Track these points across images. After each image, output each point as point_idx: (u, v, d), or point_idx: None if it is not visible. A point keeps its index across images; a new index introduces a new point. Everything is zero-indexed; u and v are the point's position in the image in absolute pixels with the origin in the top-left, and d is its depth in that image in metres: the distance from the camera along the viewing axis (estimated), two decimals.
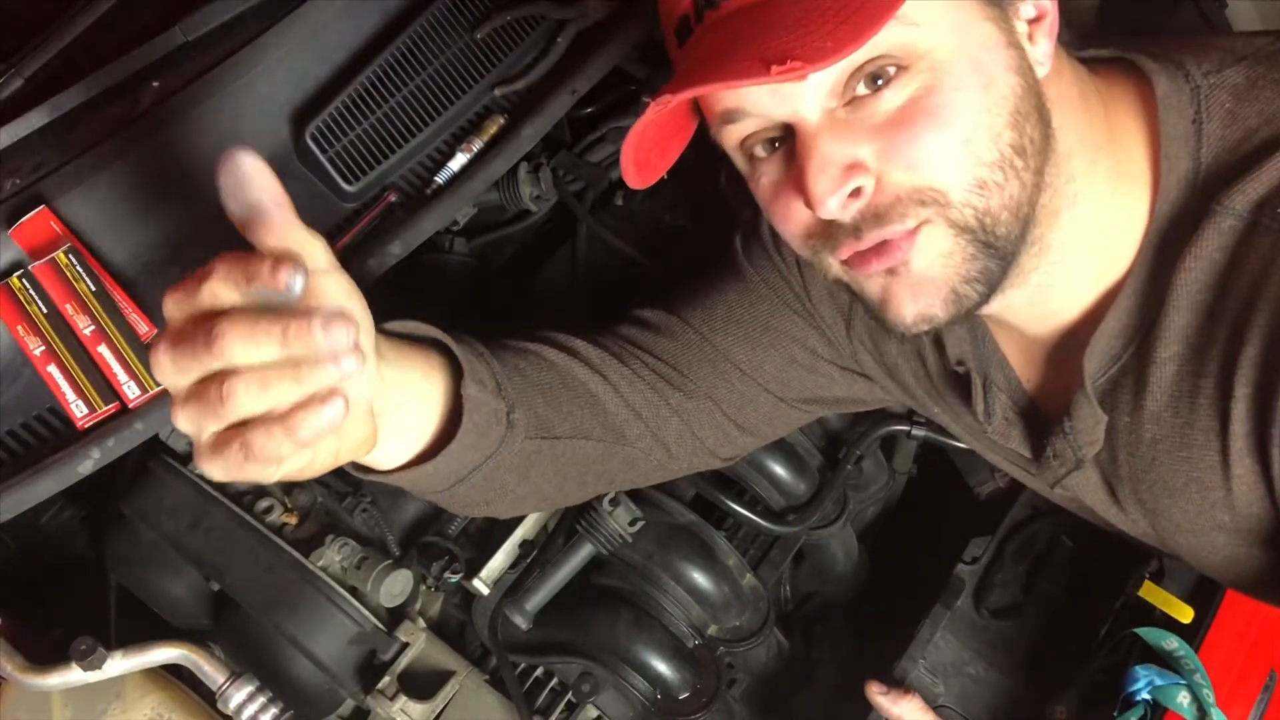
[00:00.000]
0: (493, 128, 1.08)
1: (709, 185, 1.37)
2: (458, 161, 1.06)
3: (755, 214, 1.05)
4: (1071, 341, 0.86)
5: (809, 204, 0.75)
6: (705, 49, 0.75)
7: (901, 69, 0.72)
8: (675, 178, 1.44)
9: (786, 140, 0.77)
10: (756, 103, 0.75)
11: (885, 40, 0.69)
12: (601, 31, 1.15)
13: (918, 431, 1.34)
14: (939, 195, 0.73)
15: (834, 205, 0.74)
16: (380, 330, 0.74)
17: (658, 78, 1.36)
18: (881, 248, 0.76)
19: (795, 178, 0.76)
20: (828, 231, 0.78)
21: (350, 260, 0.99)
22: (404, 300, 1.32)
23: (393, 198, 1.04)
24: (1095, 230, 0.81)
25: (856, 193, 0.74)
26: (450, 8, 1.08)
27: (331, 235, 1.01)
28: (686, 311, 1.03)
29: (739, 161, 0.82)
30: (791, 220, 0.80)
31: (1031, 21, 0.76)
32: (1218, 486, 0.82)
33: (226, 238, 0.99)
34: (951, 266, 0.76)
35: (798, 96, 0.73)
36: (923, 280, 0.77)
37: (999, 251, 0.77)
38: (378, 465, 0.80)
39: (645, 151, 0.80)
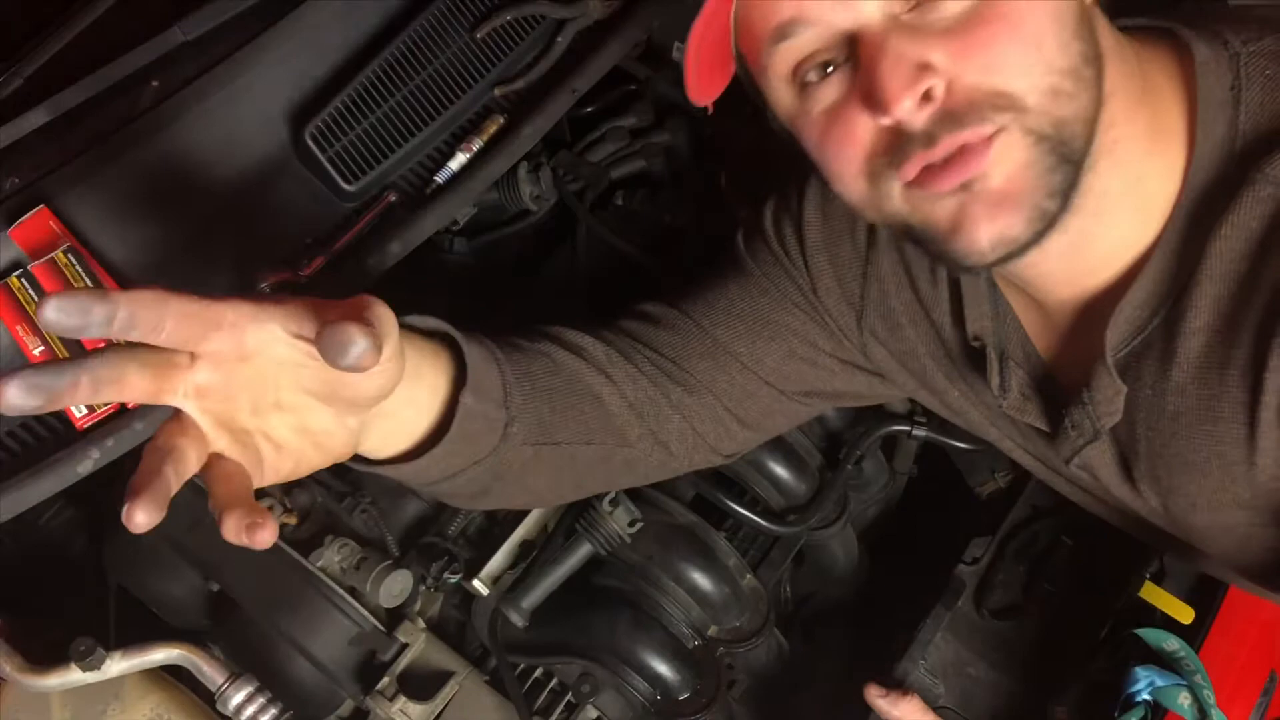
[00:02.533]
0: (493, 127, 1.08)
1: (709, 186, 1.37)
2: (458, 161, 1.06)
3: (756, 211, 1.05)
4: (1094, 310, 0.85)
5: (882, 107, 0.71)
6: None
7: None
8: (675, 178, 1.45)
9: (843, 64, 0.75)
10: (817, 10, 0.73)
11: None
12: (601, 31, 1.15)
13: (918, 432, 1.34)
14: (1015, 101, 0.71)
15: (909, 104, 0.71)
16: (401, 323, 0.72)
17: (657, 78, 1.37)
18: (958, 159, 0.72)
19: (862, 87, 0.73)
20: (895, 144, 0.74)
21: (350, 260, 0.99)
22: (403, 299, 1.32)
23: (393, 198, 1.04)
24: (1132, 184, 0.79)
25: (928, 96, 0.71)
26: (450, 8, 1.08)
27: (331, 235, 1.01)
28: (687, 305, 1.03)
29: (787, 97, 0.80)
30: (854, 141, 0.76)
31: None
32: (1241, 461, 0.80)
33: (225, 237, 1.00)
34: (1033, 177, 0.73)
35: (861, 1, 0.72)
36: (1005, 195, 0.74)
37: (1075, 165, 0.74)
38: (367, 454, 0.79)
39: (707, 55, 0.78)
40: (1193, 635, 1.10)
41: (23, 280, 0.90)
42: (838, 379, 1.05)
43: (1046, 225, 0.75)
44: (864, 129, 0.75)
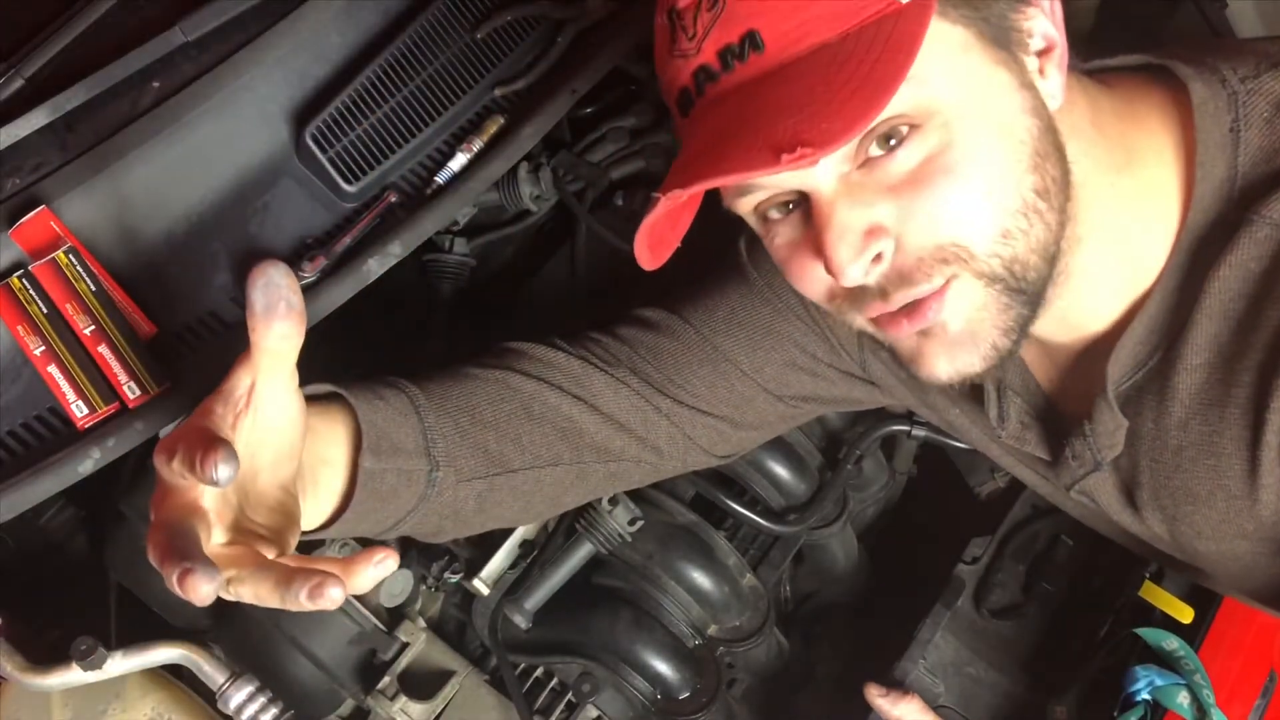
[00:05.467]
0: (493, 128, 1.08)
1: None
2: (458, 161, 1.06)
3: None
4: (1096, 346, 0.85)
5: (833, 275, 0.74)
6: (708, 129, 0.73)
7: (914, 128, 0.71)
8: None
9: (801, 203, 0.76)
10: (770, 175, 0.74)
11: (895, 103, 0.67)
12: (601, 31, 1.15)
13: (918, 431, 1.34)
14: (962, 250, 0.73)
15: (856, 273, 0.73)
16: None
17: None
18: (912, 309, 0.75)
19: (813, 243, 0.75)
20: (852, 295, 0.77)
21: (350, 260, 0.99)
22: (403, 302, 1.32)
23: (393, 198, 1.04)
24: (1117, 250, 0.80)
25: (878, 258, 0.73)
26: (450, 8, 1.08)
27: (331, 235, 1.02)
28: (688, 311, 1.02)
29: (753, 223, 0.82)
30: (812, 283, 0.79)
31: (1041, 54, 0.75)
32: (1244, 495, 0.81)
33: (226, 237, 1.00)
34: (988, 319, 0.76)
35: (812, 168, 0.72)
36: (960, 338, 0.76)
37: (1030, 296, 0.76)
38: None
39: (659, 234, 0.79)
40: (1192, 635, 1.11)
41: (23, 281, 0.90)
42: (837, 387, 1.05)
43: (999, 359, 0.77)
44: (821, 276, 0.77)
